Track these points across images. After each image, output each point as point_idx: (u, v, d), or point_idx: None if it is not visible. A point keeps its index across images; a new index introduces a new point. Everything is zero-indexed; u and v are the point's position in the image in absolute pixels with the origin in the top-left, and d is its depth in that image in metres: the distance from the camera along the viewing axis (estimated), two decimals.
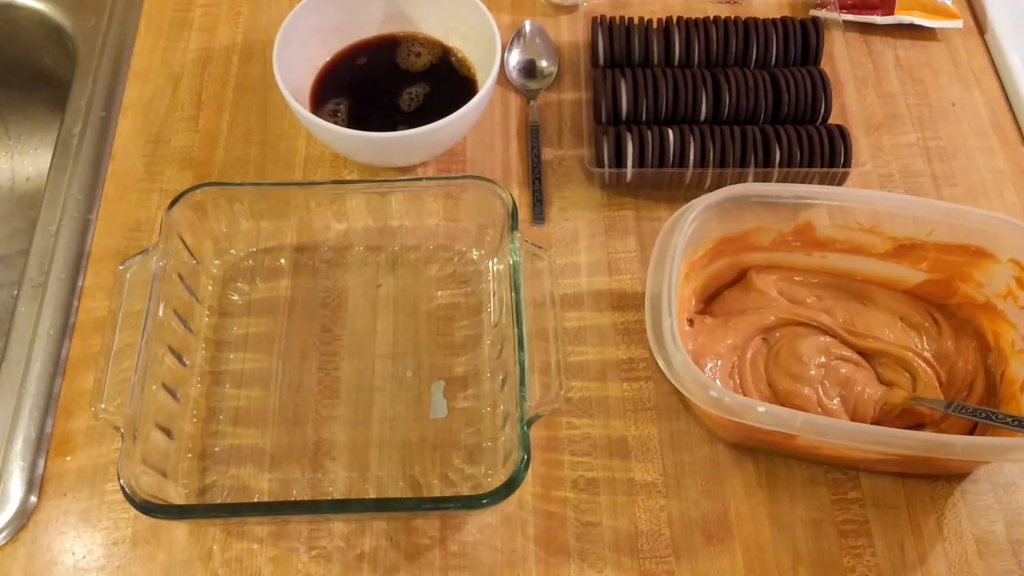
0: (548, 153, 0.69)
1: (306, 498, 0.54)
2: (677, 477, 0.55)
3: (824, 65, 0.70)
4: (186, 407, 0.56)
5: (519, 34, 0.74)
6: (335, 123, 0.64)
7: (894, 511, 0.55)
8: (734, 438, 0.56)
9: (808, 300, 0.60)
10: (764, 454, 0.56)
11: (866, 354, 0.58)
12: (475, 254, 0.63)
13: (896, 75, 0.74)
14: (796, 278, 0.61)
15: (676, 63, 0.70)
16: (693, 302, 0.60)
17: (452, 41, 0.70)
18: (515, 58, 0.73)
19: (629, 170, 0.64)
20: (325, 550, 0.53)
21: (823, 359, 0.57)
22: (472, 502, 0.48)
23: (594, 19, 0.71)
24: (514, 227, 0.55)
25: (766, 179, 0.64)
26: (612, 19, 0.71)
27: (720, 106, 0.67)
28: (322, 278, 0.62)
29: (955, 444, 0.47)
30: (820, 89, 0.67)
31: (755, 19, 0.70)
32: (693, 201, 0.54)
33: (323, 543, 0.53)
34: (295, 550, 0.53)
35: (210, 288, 0.61)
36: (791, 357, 0.57)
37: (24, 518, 0.53)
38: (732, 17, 0.71)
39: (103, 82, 0.71)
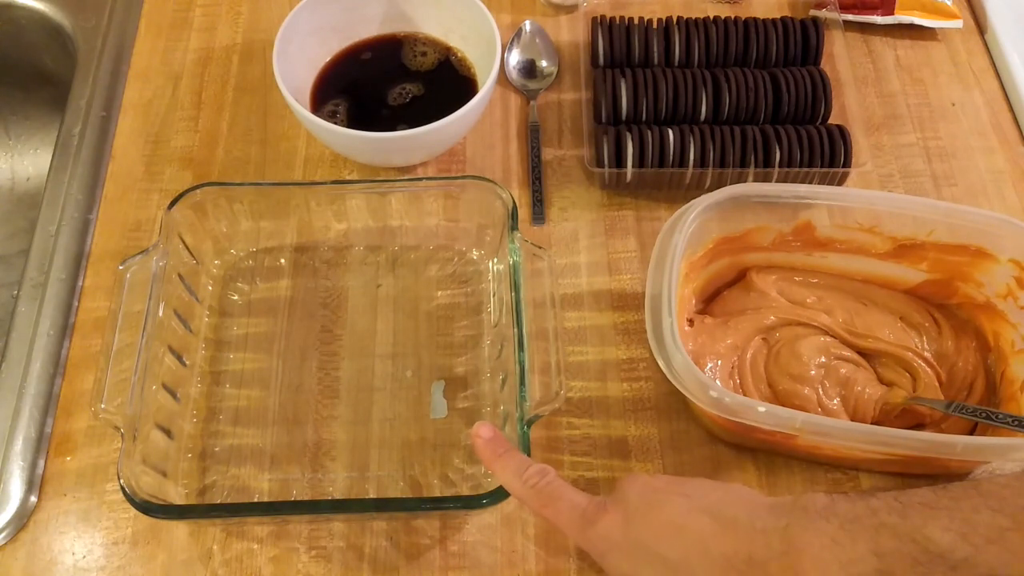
0: (548, 153, 0.69)
1: (306, 498, 0.54)
2: None
3: (824, 65, 0.70)
4: (186, 407, 0.56)
5: (519, 34, 0.74)
6: (335, 123, 0.64)
7: None
8: (734, 438, 0.56)
9: (808, 300, 0.60)
10: (764, 454, 0.56)
11: (866, 354, 0.58)
12: (475, 254, 0.63)
13: (896, 75, 0.74)
14: (796, 278, 0.61)
15: (676, 63, 0.70)
16: (693, 302, 0.60)
17: (452, 41, 0.70)
18: (515, 58, 0.73)
19: (629, 170, 0.64)
20: (325, 550, 0.53)
21: (823, 359, 0.57)
22: (472, 502, 0.48)
23: (594, 19, 0.71)
24: (514, 227, 0.55)
25: (766, 179, 0.64)
26: (612, 19, 0.71)
27: (720, 106, 0.67)
28: (322, 278, 0.62)
29: (955, 444, 0.47)
30: (820, 89, 0.67)
31: (755, 19, 0.70)
32: (693, 201, 0.54)
33: (323, 543, 0.53)
34: (295, 550, 0.53)
35: (210, 288, 0.61)
36: (791, 357, 0.57)
37: (24, 518, 0.53)
38: (732, 17, 0.71)
39: (103, 82, 0.71)
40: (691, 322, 0.58)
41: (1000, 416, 0.51)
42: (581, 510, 0.42)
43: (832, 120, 0.68)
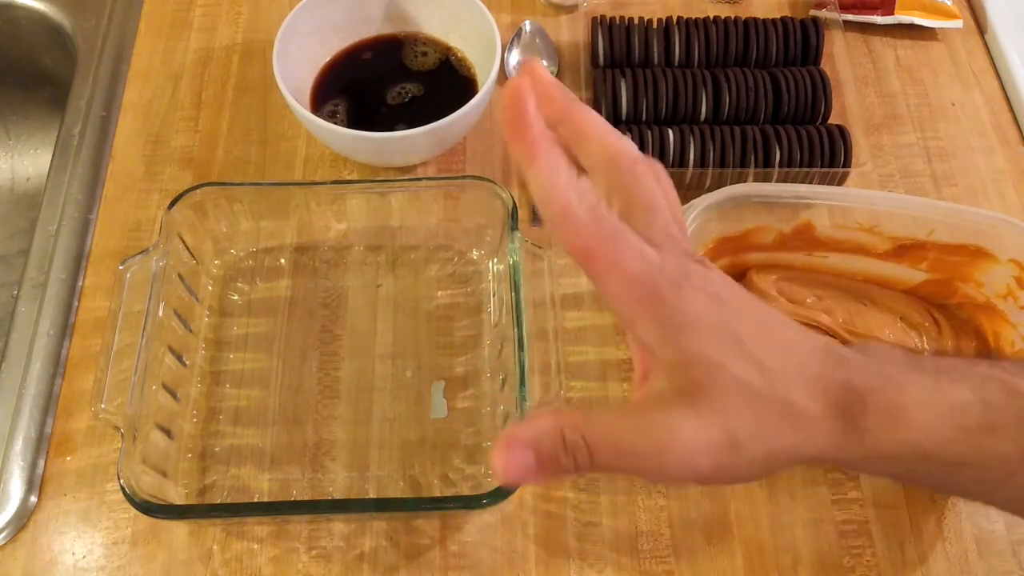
0: None
1: (306, 498, 0.54)
2: None
3: (824, 65, 0.70)
4: (186, 407, 0.56)
5: (519, 34, 0.74)
6: (335, 123, 0.64)
7: (894, 511, 0.55)
8: None
9: (808, 300, 0.60)
10: None
11: None
12: (475, 254, 0.63)
13: (896, 75, 0.74)
14: (796, 278, 0.61)
15: (676, 63, 0.70)
16: None
17: (452, 41, 0.70)
18: (515, 58, 0.73)
19: None
20: (325, 550, 0.53)
21: None
22: (472, 502, 0.48)
23: (594, 19, 0.71)
24: (514, 227, 0.55)
25: (766, 179, 0.64)
26: (612, 19, 0.71)
27: (720, 106, 0.67)
28: (322, 278, 0.62)
29: None
30: (820, 89, 0.67)
31: (755, 19, 0.70)
32: (693, 201, 0.54)
33: (323, 543, 0.53)
34: (295, 550, 0.53)
35: (210, 288, 0.61)
36: None
37: (24, 518, 0.53)
38: (732, 17, 0.71)
39: (103, 82, 0.71)
40: None
41: None
42: (658, 266, 0.31)
43: (832, 120, 0.68)
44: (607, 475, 0.55)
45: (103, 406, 0.49)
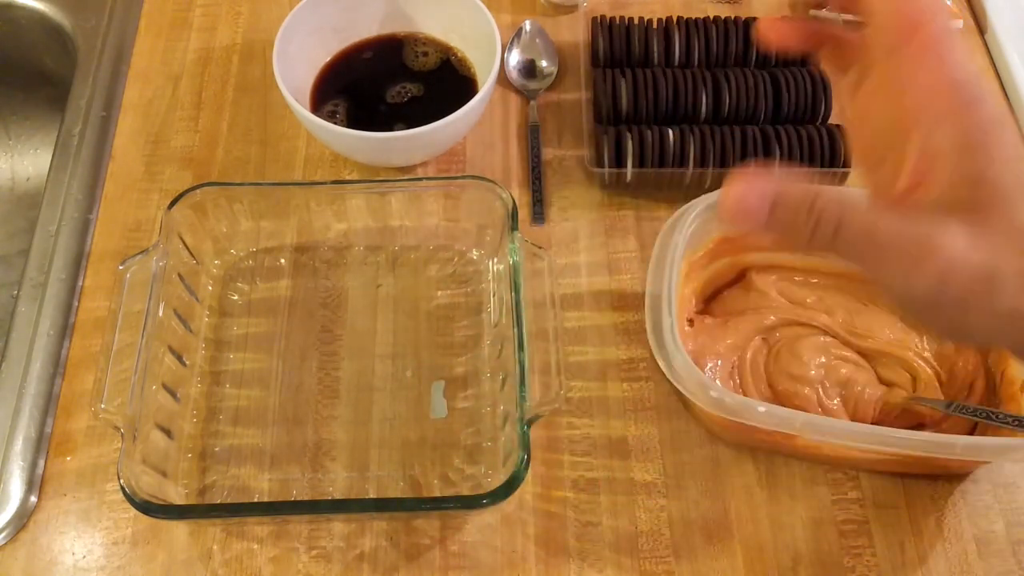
0: (548, 153, 0.69)
1: (306, 498, 0.54)
2: (677, 477, 0.55)
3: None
4: (186, 407, 0.56)
5: (519, 34, 0.74)
6: (335, 123, 0.64)
7: (894, 511, 0.55)
8: (734, 438, 0.56)
9: (808, 300, 0.60)
10: (764, 454, 0.56)
11: (866, 354, 0.58)
12: (475, 254, 0.63)
13: None
14: (796, 278, 0.61)
15: (676, 63, 0.70)
16: (693, 302, 0.60)
17: (452, 41, 0.70)
18: (515, 58, 0.73)
19: (629, 170, 0.64)
20: (325, 550, 0.53)
21: (823, 359, 0.57)
22: (472, 502, 0.48)
23: (594, 19, 0.71)
24: (514, 227, 0.55)
25: None
26: (612, 19, 0.71)
27: (720, 106, 0.67)
28: (322, 278, 0.62)
29: (955, 444, 0.47)
30: (820, 89, 0.67)
31: (755, 19, 0.70)
32: (693, 201, 0.54)
33: (323, 543, 0.53)
34: (295, 550, 0.53)
35: (210, 288, 0.61)
36: (791, 357, 0.57)
37: (24, 518, 0.53)
38: (732, 17, 0.71)
39: (103, 82, 0.71)
40: (691, 322, 0.58)
41: (1000, 416, 0.51)
42: (977, 74, 0.29)
43: (832, 120, 0.68)
44: (607, 476, 0.55)
45: (103, 406, 0.49)
